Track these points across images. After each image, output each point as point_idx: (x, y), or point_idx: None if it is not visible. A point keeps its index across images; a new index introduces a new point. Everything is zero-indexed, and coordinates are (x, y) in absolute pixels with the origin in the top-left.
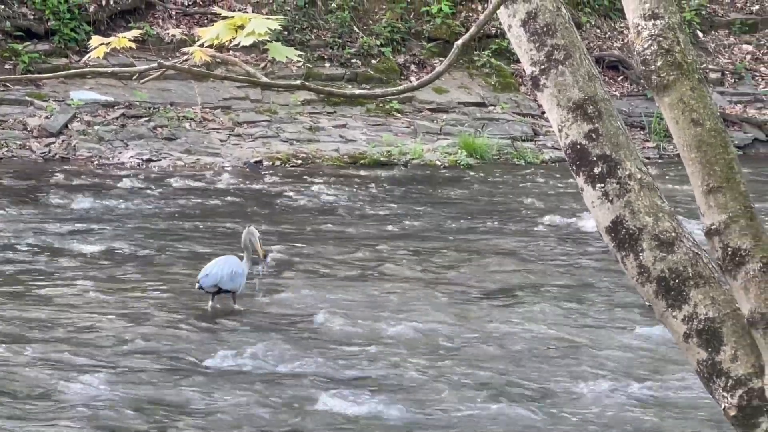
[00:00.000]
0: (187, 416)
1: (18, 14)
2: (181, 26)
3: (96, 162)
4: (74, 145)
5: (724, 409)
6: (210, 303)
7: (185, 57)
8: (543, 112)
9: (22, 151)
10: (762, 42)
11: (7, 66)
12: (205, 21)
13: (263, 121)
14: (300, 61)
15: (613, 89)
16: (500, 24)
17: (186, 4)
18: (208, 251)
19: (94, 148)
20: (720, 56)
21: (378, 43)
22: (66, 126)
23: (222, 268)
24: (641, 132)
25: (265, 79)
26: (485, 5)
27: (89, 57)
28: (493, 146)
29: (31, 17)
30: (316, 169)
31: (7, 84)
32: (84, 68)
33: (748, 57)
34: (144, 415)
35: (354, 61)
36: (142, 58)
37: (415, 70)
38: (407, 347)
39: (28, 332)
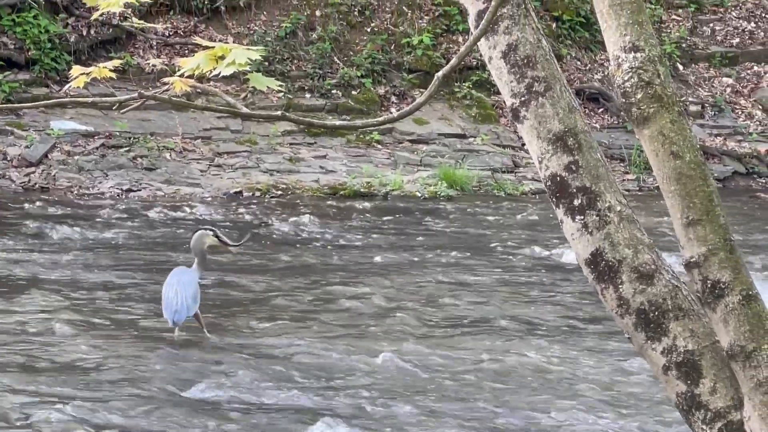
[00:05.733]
0: None
1: None
2: (162, 56)
3: (76, 192)
4: (54, 175)
5: None
6: (176, 332)
7: (166, 87)
8: (523, 144)
9: (2, 180)
10: (742, 75)
11: None
12: (186, 51)
13: (243, 151)
14: (280, 92)
15: (593, 121)
16: (481, 56)
17: (167, 34)
18: None
19: (73, 178)
20: (700, 89)
21: (358, 74)
22: (46, 155)
23: (184, 295)
24: (621, 164)
25: (245, 110)
26: (466, 37)
27: (70, 87)
28: (473, 178)
29: (12, 47)
30: (296, 200)
31: None
32: (64, 98)
33: (728, 90)
34: None
35: (334, 92)
36: (122, 88)
37: (395, 101)
38: (387, 379)
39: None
